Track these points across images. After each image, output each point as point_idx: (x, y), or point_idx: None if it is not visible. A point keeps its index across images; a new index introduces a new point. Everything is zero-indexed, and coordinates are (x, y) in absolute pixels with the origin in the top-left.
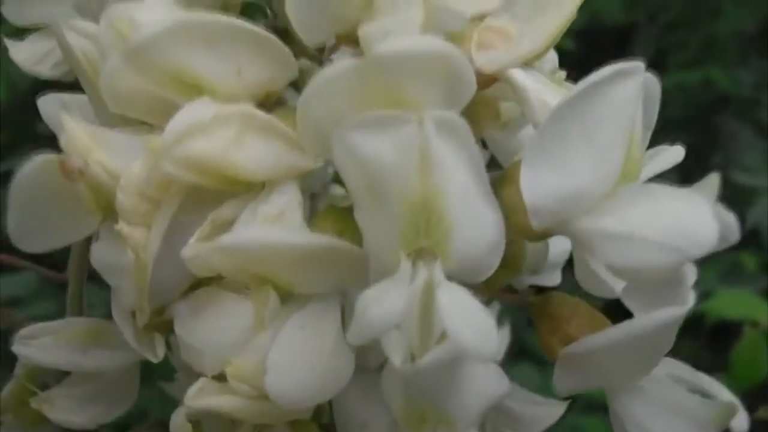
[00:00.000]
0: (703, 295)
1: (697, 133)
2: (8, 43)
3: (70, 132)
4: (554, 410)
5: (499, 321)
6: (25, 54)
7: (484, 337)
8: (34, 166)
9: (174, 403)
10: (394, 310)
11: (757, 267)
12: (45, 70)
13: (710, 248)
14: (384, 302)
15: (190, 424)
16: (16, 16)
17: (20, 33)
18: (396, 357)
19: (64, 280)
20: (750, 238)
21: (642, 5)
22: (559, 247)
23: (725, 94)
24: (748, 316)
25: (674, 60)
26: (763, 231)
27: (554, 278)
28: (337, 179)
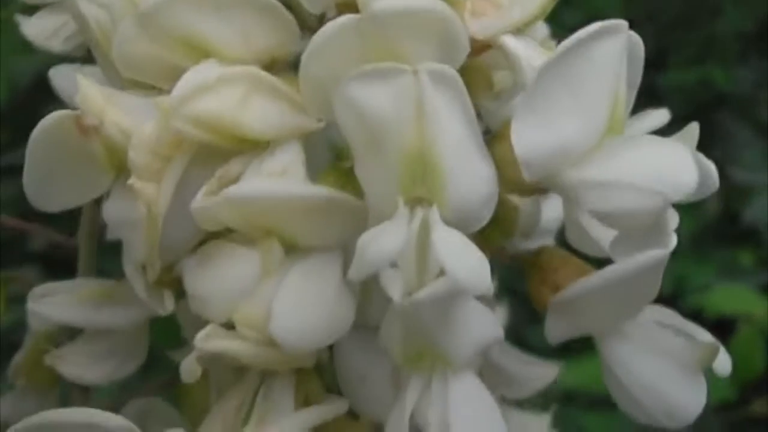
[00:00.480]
0: (702, 290)
1: None
2: (20, 18)
3: (86, 92)
4: (548, 371)
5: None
6: (37, 29)
7: (478, 273)
8: (51, 122)
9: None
10: (392, 246)
11: (755, 263)
12: (56, 44)
13: (690, 192)
14: (382, 240)
15: (200, 368)
16: None
17: (30, 10)
18: (395, 292)
19: (73, 244)
20: (748, 235)
21: (641, 4)
22: (550, 215)
23: (724, 92)
24: (745, 311)
25: (673, 59)
26: (761, 228)
27: (546, 243)
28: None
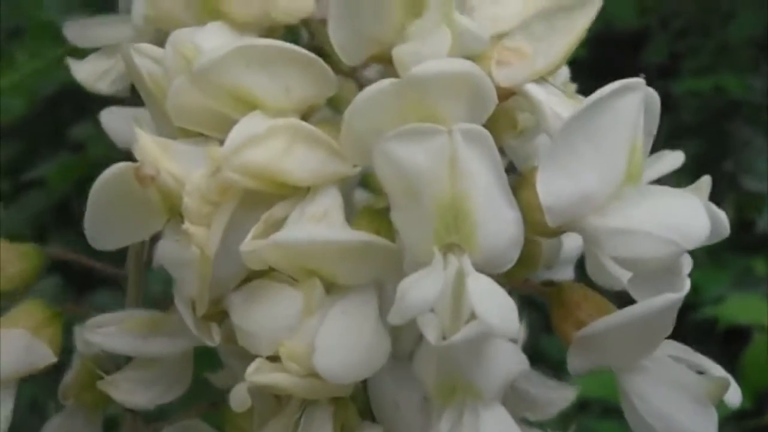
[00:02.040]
0: (716, 300)
1: (709, 138)
2: (70, 61)
3: (143, 143)
4: (567, 393)
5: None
6: (86, 72)
7: (507, 318)
8: (112, 173)
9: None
10: (431, 293)
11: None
12: (104, 87)
13: (702, 241)
14: (421, 287)
15: (249, 398)
16: (78, 38)
17: (77, 52)
18: (431, 335)
19: (122, 275)
20: (761, 244)
21: (655, 12)
22: (571, 245)
23: (737, 100)
24: (758, 321)
25: (687, 66)
26: None
27: (567, 273)
28: (361, 184)
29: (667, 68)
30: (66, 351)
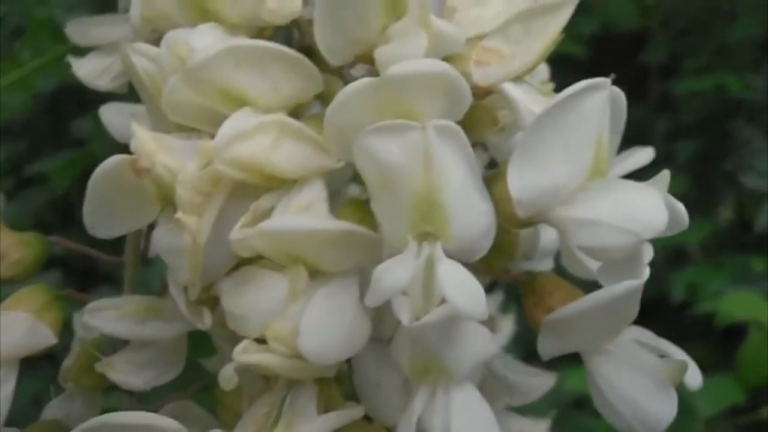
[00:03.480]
0: (714, 297)
1: (709, 138)
2: (71, 59)
3: (139, 138)
4: (545, 380)
5: (504, 310)
6: (87, 69)
7: (475, 301)
8: (109, 165)
9: None
10: (403, 278)
11: (766, 269)
12: (104, 83)
13: (660, 232)
14: (394, 272)
15: (236, 377)
16: (80, 37)
17: (78, 51)
18: (404, 317)
19: (120, 263)
20: (760, 242)
21: (656, 12)
22: (550, 238)
23: (737, 99)
24: (754, 317)
25: (687, 66)
26: None
27: (546, 265)
28: (355, 179)
29: (668, 68)
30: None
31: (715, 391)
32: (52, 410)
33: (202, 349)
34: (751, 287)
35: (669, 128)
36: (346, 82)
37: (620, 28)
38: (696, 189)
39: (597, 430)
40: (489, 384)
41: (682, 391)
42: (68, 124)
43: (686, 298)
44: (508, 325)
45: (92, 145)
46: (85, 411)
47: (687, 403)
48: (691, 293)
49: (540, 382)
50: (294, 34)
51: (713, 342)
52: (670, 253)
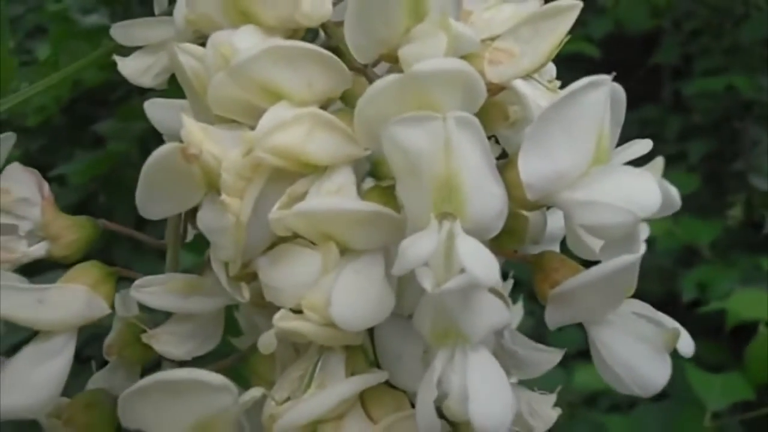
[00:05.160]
0: (724, 296)
1: (720, 138)
2: (117, 58)
3: (189, 128)
4: (552, 356)
5: (514, 298)
6: (131, 68)
7: (489, 270)
8: (162, 152)
9: None
10: (426, 250)
11: None
12: (147, 80)
13: (654, 212)
14: (419, 245)
15: (275, 342)
16: (124, 38)
17: (121, 50)
18: (427, 284)
19: (162, 245)
20: None
21: (667, 13)
22: (556, 224)
23: (748, 100)
24: (762, 316)
25: (699, 67)
26: None
27: (553, 249)
28: (371, 174)
29: (679, 69)
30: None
31: (723, 387)
32: (96, 383)
33: (229, 329)
34: (761, 286)
35: (680, 128)
36: (369, 79)
37: (632, 28)
38: (707, 188)
39: (608, 425)
40: (500, 358)
41: (691, 386)
42: (84, 123)
43: (697, 297)
44: (518, 312)
45: (111, 145)
46: (126, 382)
47: (696, 398)
48: (702, 292)
49: (546, 358)
50: (320, 35)
51: (723, 340)
52: (681, 253)
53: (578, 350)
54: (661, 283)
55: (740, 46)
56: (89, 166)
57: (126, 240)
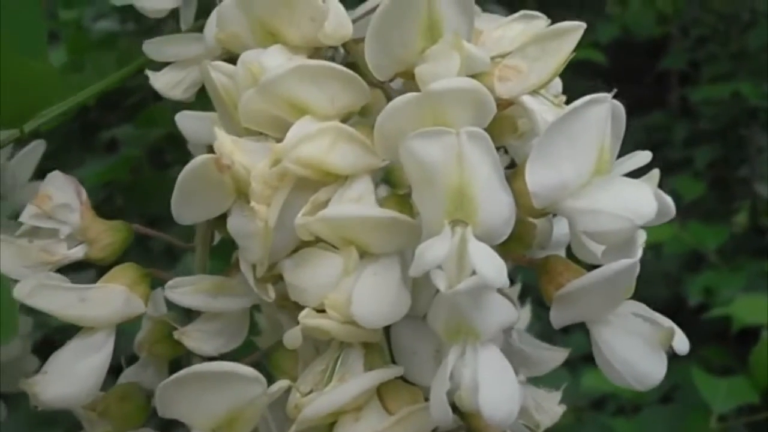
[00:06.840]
0: (728, 301)
1: (727, 144)
2: (149, 73)
3: (221, 140)
4: (557, 355)
5: (522, 303)
6: (163, 82)
7: (499, 273)
8: (197, 163)
9: None
10: (440, 253)
11: None
12: (177, 94)
13: (650, 219)
14: (433, 249)
15: (301, 337)
16: (156, 53)
17: (152, 64)
18: (441, 285)
19: (191, 248)
20: None
21: (674, 20)
22: (562, 231)
23: (754, 107)
24: (765, 321)
25: (705, 73)
26: None
27: (559, 253)
28: (385, 181)
29: (686, 76)
30: None
31: (729, 390)
32: (127, 378)
33: (249, 328)
34: (765, 292)
35: (686, 135)
36: (387, 95)
37: (639, 35)
38: (713, 194)
39: (615, 428)
40: (508, 356)
41: (697, 389)
42: (95, 128)
43: (702, 302)
44: (525, 315)
45: (125, 150)
46: (156, 377)
47: (702, 402)
48: (708, 297)
49: (552, 356)
50: (340, 50)
51: (729, 344)
52: (687, 258)
53: (585, 354)
54: (668, 288)
55: (747, 52)
56: (108, 171)
57: (134, 243)
